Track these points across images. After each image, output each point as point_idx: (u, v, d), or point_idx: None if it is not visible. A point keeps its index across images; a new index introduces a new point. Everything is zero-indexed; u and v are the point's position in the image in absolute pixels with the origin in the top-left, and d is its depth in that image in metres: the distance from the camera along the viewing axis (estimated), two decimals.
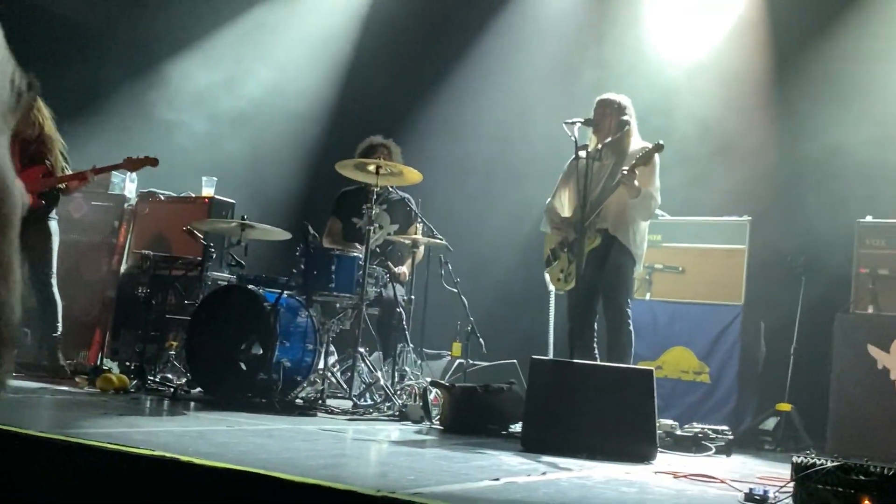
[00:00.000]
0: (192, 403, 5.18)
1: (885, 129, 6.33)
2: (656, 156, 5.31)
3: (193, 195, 7.29)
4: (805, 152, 6.65)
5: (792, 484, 3.15)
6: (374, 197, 5.65)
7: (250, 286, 5.53)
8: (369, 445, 4.14)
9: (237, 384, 5.25)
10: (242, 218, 5.81)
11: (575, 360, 4.72)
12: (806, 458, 3.15)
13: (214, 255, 6.17)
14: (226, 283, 6.28)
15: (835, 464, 3.09)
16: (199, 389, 5.52)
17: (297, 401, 5.46)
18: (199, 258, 6.07)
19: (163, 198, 7.37)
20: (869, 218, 5.85)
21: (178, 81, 8.41)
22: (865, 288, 5.75)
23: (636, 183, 5.19)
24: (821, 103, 6.65)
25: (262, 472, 2.68)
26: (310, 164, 8.54)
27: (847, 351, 5.66)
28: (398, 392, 5.56)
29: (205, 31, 8.54)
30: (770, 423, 6.05)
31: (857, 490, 2.96)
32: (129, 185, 7.37)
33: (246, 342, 5.27)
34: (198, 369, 5.48)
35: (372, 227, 5.59)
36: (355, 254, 5.72)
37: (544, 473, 3.50)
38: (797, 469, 3.14)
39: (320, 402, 5.33)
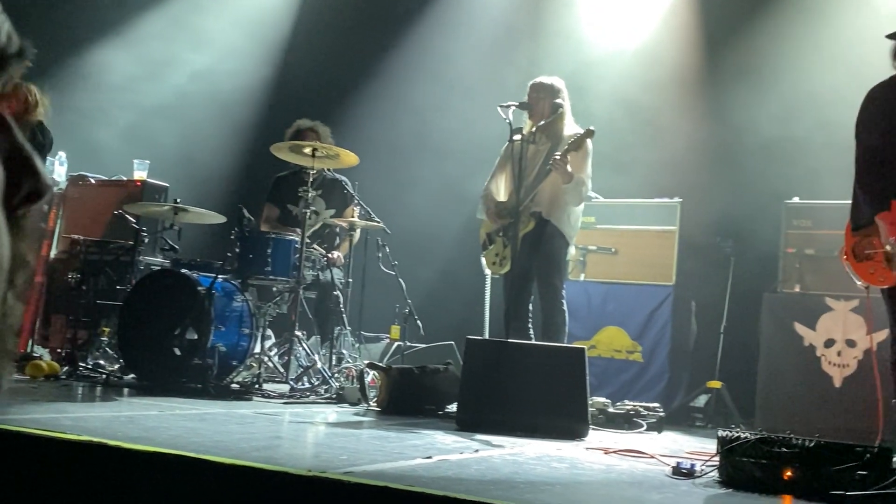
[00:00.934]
0: (125, 389, 5.12)
1: (812, 112, 6.49)
2: (588, 141, 5.37)
3: (125, 178, 7.15)
4: (734, 135, 6.81)
5: (717, 457, 3.25)
6: (310, 180, 5.62)
7: (184, 270, 5.47)
8: (305, 428, 4.15)
9: (171, 369, 5.19)
10: (175, 201, 5.73)
11: (509, 340, 4.78)
12: (731, 432, 3.24)
13: (147, 240, 6.07)
14: (159, 267, 6.20)
15: (757, 437, 3.19)
16: (132, 376, 5.45)
17: (233, 385, 5.42)
18: (132, 242, 5.97)
19: (94, 181, 7.22)
20: (796, 199, 6.01)
21: (110, 64, 8.23)
22: (792, 268, 5.90)
23: (568, 168, 5.25)
24: (749, 86, 6.80)
25: (192, 455, 2.67)
26: (245, 146, 8.44)
27: (774, 329, 5.81)
28: (335, 375, 5.56)
29: (134, 13, 8.36)
30: (701, 400, 6.20)
31: (779, 462, 3.06)
32: (58, 169, 7.20)
33: (180, 327, 5.22)
34: (131, 355, 5.40)
35: (308, 211, 5.56)
36: (291, 237, 5.69)
37: (477, 451, 3.54)
38: (722, 443, 3.23)
39: (256, 386, 5.31)
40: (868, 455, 3.01)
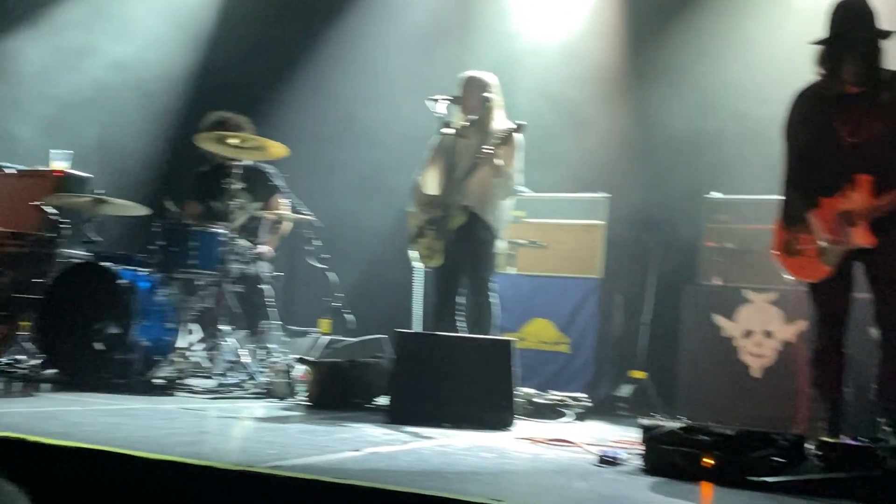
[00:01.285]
0: (45, 385, 4.99)
1: (731, 107, 6.66)
2: (518, 135, 5.42)
3: (43, 169, 6.94)
4: (658, 131, 6.95)
5: (641, 446, 3.33)
6: (234, 171, 5.54)
7: (105, 263, 5.34)
8: (232, 423, 4.10)
9: (93, 365, 5.07)
10: (97, 192, 5.59)
11: (438, 333, 4.80)
12: (653, 421, 3.33)
13: (68, 232, 5.90)
14: (80, 260, 6.03)
15: (679, 426, 3.28)
16: (52, 371, 5.30)
17: (157, 381, 5.33)
18: (51, 235, 5.80)
19: (10, 172, 6.99)
20: (715, 194, 6.16)
21: (25, 54, 7.98)
22: (712, 261, 6.05)
23: (497, 162, 5.29)
24: (670, 83, 6.95)
25: (116, 450, 2.63)
26: (169, 137, 8.27)
27: (695, 320, 5.96)
28: (263, 370, 5.50)
29: (50, 1, 8.12)
30: (625, 390, 6.33)
31: (699, 449, 3.15)
32: None
33: (101, 321, 5.10)
34: (51, 350, 5.26)
35: (233, 204, 5.48)
36: (217, 229, 5.60)
37: (407, 443, 3.56)
38: (645, 431, 3.31)
39: (181, 381, 5.22)
40: (784, 442, 3.12)
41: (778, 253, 4.33)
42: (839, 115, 4.03)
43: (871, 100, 3.98)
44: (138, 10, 8.16)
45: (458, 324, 5.57)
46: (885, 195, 3.89)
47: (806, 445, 3.15)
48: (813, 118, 4.09)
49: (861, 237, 3.94)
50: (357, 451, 3.20)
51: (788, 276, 4.44)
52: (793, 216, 4.21)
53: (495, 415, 4.45)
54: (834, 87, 4.02)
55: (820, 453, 3.11)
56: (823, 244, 4.03)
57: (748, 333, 5.78)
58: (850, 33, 3.94)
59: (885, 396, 4.10)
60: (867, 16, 3.96)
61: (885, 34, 3.97)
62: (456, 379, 4.50)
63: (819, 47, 4.06)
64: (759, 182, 6.18)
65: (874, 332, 4.14)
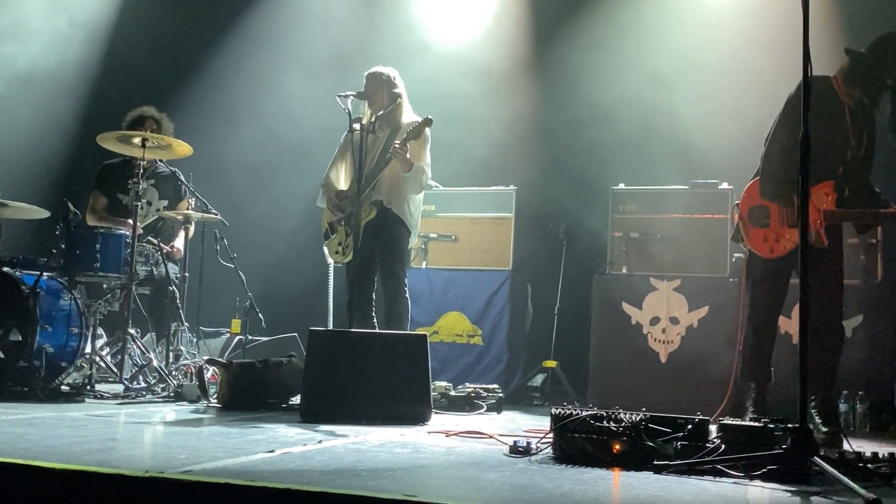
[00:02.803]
0: None
1: (636, 100, 6.84)
2: (427, 130, 5.45)
3: None
4: (564, 124, 7.09)
5: (552, 434, 3.40)
6: (141, 171, 5.42)
7: (5, 268, 5.17)
8: (141, 428, 4.02)
9: None
10: None
11: (352, 330, 4.80)
12: (563, 409, 3.40)
13: None
14: None
15: (588, 413, 3.36)
16: None
17: (63, 387, 5.18)
18: None
19: None
20: (621, 185, 6.31)
21: None
22: (619, 250, 6.21)
23: (408, 156, 5.32)
24: (576, 75, 7.09)
25: (19, 461, 2.56)
26: (69, 136, 8.02)
27: (604, 309, 6.11)
28: (173, 373, 5.41)
29: None
30: (538, 380, 6.45)
31: (608, 436, 3.24)
32: None
33: (2, 328, 4.94)
34: None
35: (139, 204, 5.37)
36: (122, 231, 5.48)
37: (320, 442, 3.55)
38: (555, 420, 3.38)
39: (88, 387, 5.10)
40: (689, 426, 3.23)
41: (743, 215, 4.58)
42: (852, 124, 4.45)
43: (870, 125, 4.45)
44: (31, 5, 7.88)
45: (373, 319, 5.58)
46: (844, 208, 4.37)
47: (709, 428, 3.27)
48: (831, 112, 4.39)
49: (819, 237, 4.31)
50: (270, 452, 3.18)
51: (744, 245, 4.67)
52: (774, 190, 4.47)
53: (412, 409, 4.48)
54: (853, 96, 4.45)
55: (721, 434, 3.23)
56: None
57: (655, 320, 5.95)
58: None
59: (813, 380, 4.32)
60: None
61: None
62: (371, 375, 4.51)
63: (857, 59, 4.43)
64: (660, 173, 6.39)
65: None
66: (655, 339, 5.94)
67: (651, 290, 6.00)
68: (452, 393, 5.33)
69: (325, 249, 5.78)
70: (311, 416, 4.37)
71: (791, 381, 4.63)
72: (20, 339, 4.96)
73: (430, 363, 4.65)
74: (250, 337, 6.45)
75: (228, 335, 6.74)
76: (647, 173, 6.39)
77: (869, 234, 5.43)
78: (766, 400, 4.65)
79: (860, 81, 4.41)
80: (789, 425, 3.08)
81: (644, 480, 2.92)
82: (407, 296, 5.54)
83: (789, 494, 2.79)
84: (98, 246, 5.33)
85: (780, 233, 4.49)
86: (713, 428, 3.35)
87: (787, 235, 4.47)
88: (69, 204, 5.34)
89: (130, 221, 5.43)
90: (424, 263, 6.78)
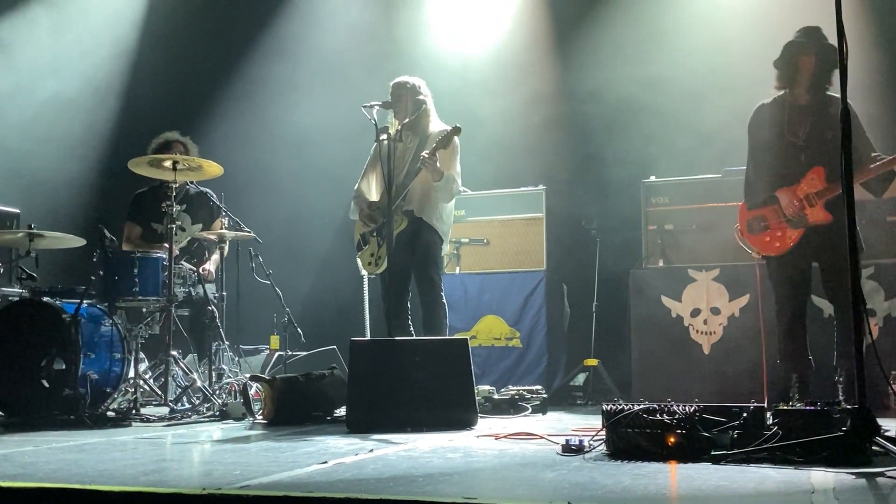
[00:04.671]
0: None
1: (662, 94, 6.79)
2: (455, 138, 5.44)
3: None
4: (590, 121, 7.04)
5: (604, 431, 3.36)
6: (173, 194, 5.45)
7: (45, 298, 5.21)
8: (191, 448, 4.03)
9: (41, 403, 4.94)
10: (29, 227, 5.46)
11: (392, 339, 4.79)
12: (614, 405, 3.36)
13: (2, 270, 5.75)
14: (17, 297, 5.88)
15: (640, 407, 3.32)
16: None
17: (109, 413, 5.21)
18: None
19: None
20: (652, 178, 6.26)
21: None
22: (654, 243, 6.16)
23: (437, 166, 5.30)
24: (600, 70, 7.05)
25: (77, 486, 2.57)
26: (101, 164, 8.10)
27: (643, 304, 6.04)
28: (217, 392, 5.43)
29: None
30: (580, 379, 6.40)
31: (662, 429, 3.20)
32: None
33: (46, 358, 4.98)
34: None
35: (174, 227, 5.40)
36: (159, 254, 5.51)
37: (371, 451, 3.54)
38: (607, 416, 3.35)
39: (134, 411, 5.13)
40: (744, 415, 3.18)
41: (742, 233, 4.97)
42: (801, 120, 4.81)
43: (821, 112, 4.76)
44: (63, 39, 7.97)
45: (409, 328, 5.56)
46: (835, 182, 4.61)
47: (765, 415, 3.22)
48: (771, 125, 4.85)
49: (819, 215, 4.69)
50: (324, 463, 3.17)
51: (754, 253, 4.99)
52: (758, 199, 4.88)
53: (458, 414, 4.46)
54: (788, 99, 4.85)
55: (777, 421, 3.18)
56: (789, 217, 4.76)
57: (696, 312, 5.89)
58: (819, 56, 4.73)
59: (843, 359, 4.67)
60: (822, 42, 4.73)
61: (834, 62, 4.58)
62: (415, 382, 4.49)
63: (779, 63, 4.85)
64: (691, 163, 6.33)
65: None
66: (697, 331, 5.88)
67: (690, 281, 5.93)
68: (496, 396, 5.30)
69: (359, 261, 5.78)
70: (357, 426, 4.36)
71: (827, 362, 4.77)
72: (64, 367, 4.99)
73: (472, 367, 4.63)
74: (290, 352, 6.46)
75: (268, 351, 6.75)
76: (678, 164, 6.34)
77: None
78: (808, 387, 4.74)
79: (790, 83, 4.84)
80: (848, 407, 3.03)
81: (703, 471, 2.88)
82: (444, 301, 5.52)
83: (853, 477, 2.74)
84: (136, 270, 5.36)
85: (782, 228, 4.80)
86: (769, 415, 3.30)
87: (788, 228, 4.79)
88: (105, 230, 5.37)
89: (166, 244, 5.46)
90: (458, 269, 6.76)
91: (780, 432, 3.11)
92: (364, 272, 6.10)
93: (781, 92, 4.90)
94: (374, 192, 5.65)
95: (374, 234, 5.54)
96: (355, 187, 5.70)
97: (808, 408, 3.21)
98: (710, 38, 6.85)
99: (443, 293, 5.51)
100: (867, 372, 3.06)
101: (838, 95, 4.59)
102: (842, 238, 4.37)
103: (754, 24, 6.65)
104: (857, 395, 2.97)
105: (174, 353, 5.39)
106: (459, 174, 5.52)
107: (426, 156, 5.27)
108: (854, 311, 3.07)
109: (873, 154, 4.73)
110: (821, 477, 2.74)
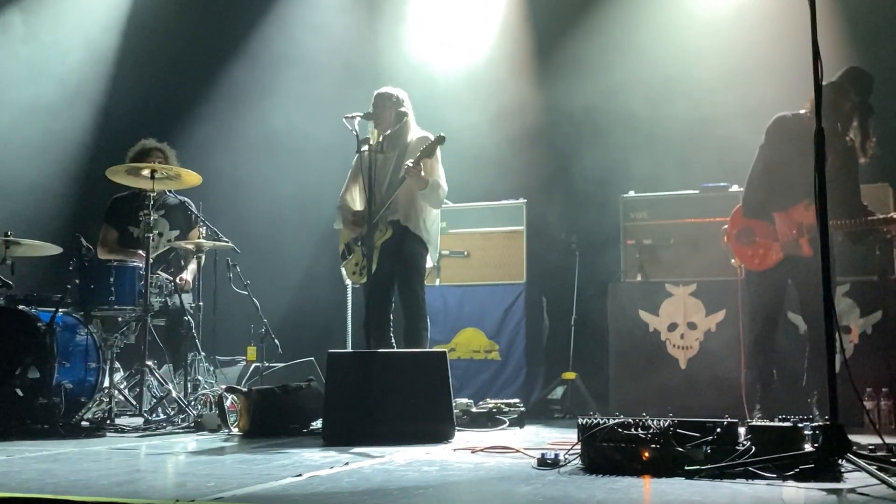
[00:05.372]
0: None
1: (642, 110, 6.84)
2: (439, 147, 5.45)
3: None
4: (570, 135, 7.08)
5: (579, 445, 3.37)
6: (151, 203, 5.43)
7: (20, 306, 5.17)
8: (165, 459, 4.00)
9: (14, 411, 4.89)
10: (6, 234, 5.41)
11: (371, 350, 4.78)
12: (590, 419, 3.37)
13: None
14: None
15: (615, 421, 3.33)
16: None
17: (84, 423, 5.17)
18: None
19: None
20: (631, 193, 6.30)
21: None
22: (633, 258, 6.20)
23: (422, 174, 5.31)
24: (580, 85, 7.10)
25: (50, 496, 2.55)
26: (79, 172, 8.05)
27: (621, 318, 6.08)
28: (192, 403, 5.39)
29: None
30: (558, 392, 6.41)
31: (636, 444, 3.21)
32: None
33: (20, 366, 4.93)
34: None
35: (151, 235, 5.37)
36: (135, 263, 5.48)
37: (347, 464, 3.53)
38: (582, 430, 3.35)
39: (109, 421, 5.09)
40: (718, 430, 3.20)
41: (728, 238, 5.11)
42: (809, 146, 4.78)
43: (839, 144, 4.93)
44: (39, 43, 7.93)
45: (391, 339, 5.55)
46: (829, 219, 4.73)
47: (738, 430, 3.24)
48: (788, 142, 4.93)
49: (805, 247, 4.89)
50: (298, 476, 3.16)
51: (735, 263, 5.16)
52: (756, 210, 5.02)
53: (436, 427, 4.45)
54: (808, 124, 4.85)
55: (751, 436, 3.20)
56: (782, 242, 4.94)
57: (673, 326, 5.92)
58: (864, 98, 4.93)
59: (813, 377, 4.88)
60: (869, 86, 4.95)
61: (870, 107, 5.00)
62: (393, 395, 4.48)
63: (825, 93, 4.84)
64: (671, 178, 6.38)
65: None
66: (674, 346, 5.91)
67: (667, 296, 5.97)
68: (474, 409, 5.30)
69: (343, 271, 5.77)
70: (334, 438, 4.35)
71: (797, 379, 4.88)
72: (38, 376, 4.95)
73: (450, 380, 4.63)
74: (267, 363, 6.43)
75: (245, 363, 6.72)
76: (656, 179, 6.38)
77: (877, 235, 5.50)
78: (772, 400, 4.94)
79: (826, 112, 4.76)
80: (820, 423, 3.05)
81: (677, 486, 2.89)
82: (426, 313, 5.52)
83: (825, 493, 2.76)
84: (112, 279, 5.33)
85: (767, 247, 4.98)
86: (742, 430, 3.32)
87: (773, 248, 4.96)
88: (82, 239, 5.34)
89: (142, 252, 5.43)
90: (438, 280, 6.77)
91: (753, 448, 3.12)
92: (349, 282, 6.10)
93: (803, 110, 4.97)
94: (357, 203, 5.65)
95: (359, 243, 5.53)
96: (338, 198, 5.70)
97: (780, 423, 3.24)
98: (692, 54, 6.92)
99: (425, 305, 5.50)
100: (842, 389, 3.09)
101: (851, 137, 4.95)
102: (814, 264, 4.75)
103: (737, 38, 6.72)
104: (830, 412, 3.00)
105: (149, 363, 5.35)
106: (444, 178, 5.53)
107: (411, 165, 5.28)
108: (826, 327, 3.10)
109: (864, 203, 4.96)
110: (793, 493, 2.76)
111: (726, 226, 5.17)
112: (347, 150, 5.64)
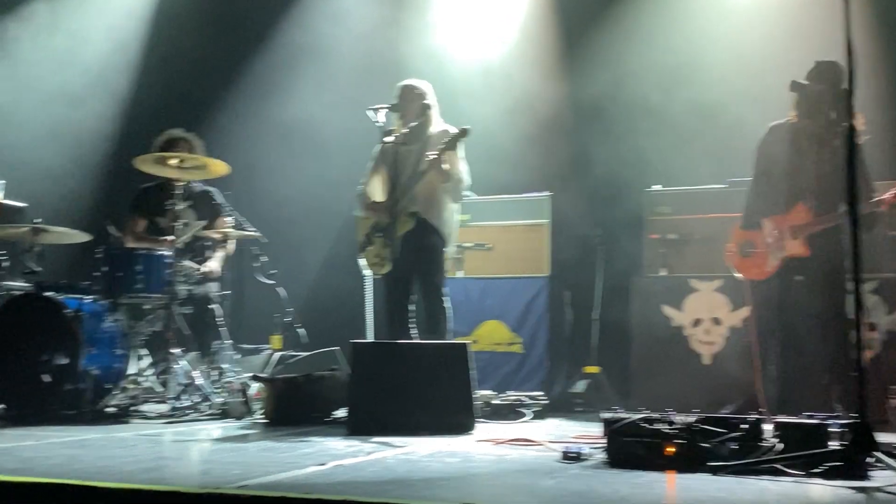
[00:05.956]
0: None
1: (669, 103, 6.78)
2: (463, 140, 5.45)
3: None
4: (595, 128, 7.04)
5: (603, 439, 3.37)
6: (177, 192, 5.46)
7: (49, 293, 5.23)
8: (190, 446, 4.05)
9: (42, 397, 4.95)
10: (34, 222, 5.47)
11: (394, 341, 4.80)
12: (614, 413, 3.37)
13: (6, 264, 5.76)
14: (21, 292, 5.89)
15: (640, 416, 3.32)
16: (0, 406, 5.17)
17: (110, 409, 5.21)
18: None
19: None
20: (656, 187, 6.26)
21: None
22: (657, 252, 6.15)
23: (445, 167, 5.32)
24: (606, 76, 7.05)
25: (77, 482, 2.58)
26: (107, 160, 8.10)
27: (644, 312, 6.04)
28: (217, 390, 5.43)
29: None
30: (580, 386, 6.39)
31: (661, 439, 3.20)
32: None
33: (48, 353, 5.00)
34: None
35: (177, 224, 5.41)
36: (162, 251, 5.52)
37: (370, 453, 3.55)
38: (607, 424, 3.35)
39: (134, 408, 5.14)
40: (743, 426, 3.19)
41: (733, 253, 5.20)
42: (809, 150, 4.99)
43: (828, 142, 4.90)
44: (69, 35, 7.99)
45: (411, 331, 5.57)
46: (822, 216, 4.88)
47: (763, 427, 3.23)
48: (785, 146, 5.03)
49: (797, 248, 4.96)
50: (322, 465, 3.18)
51: (738, 276, 5.26)
52: (751, 220, 5.13)
53: (456, 419, 4.46)
54: (808, 127, 5.00)
55: (777, 433, 3.19)
56: (771, 241, 5.02)
57: (697, 322, 5.88)
58: (834, 89, 4.81)
59: (833, 374, 4.84)
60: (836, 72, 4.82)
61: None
62: (414, 386, 4.50)
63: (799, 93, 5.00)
64: (697, 173, 6.33)
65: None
66: (698, 341, 5.87)
67: (692, 291, 5.93)
68: (496, 401, 5.30)
69: (362, 261, 5.78)
70: (357, 428, 4.37)
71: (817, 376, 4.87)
72: (66, 362, 5.01)
73: (473, 372, 4.64)
74: (291, 352, 6.46)
75: (269, 351, 6.75)
76: (682, 173, 6.33)
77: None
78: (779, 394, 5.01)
79: (807, 113, 4.99)
80: (848, 421, 3.03)
81: (701, 482, 2.88)
82: (447, 305, 5.53)
83: (852, 491, 2.74)
84: (139, 267, 5.37)
85: (765, 255, 5.05)
86: (768, 427, 3.30)
87: (770, 255, 5.02)
88: (110, 227, 5.39)
89: (169, 240, 5.47)
90: (460, 273, 6.76)
91: (780, 445, 3.11)
92: (367, 272, 6.11)
93: (787, 118, 5.05)
94: (378, 194, 5.66)
95: (379, 234, 5.54)
96: (360, 189, 5.71)
97: (806, 421, 3.22)
98: (722, 48, 6.85)
99: (446, 296, 5.52)
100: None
101: (845, 124, 4.82)
102: (820, 262, 4.78)
103: (766, 33, 6.64)
104: (857, 409, 2.97)
105: (175, 350, 5.40)
106: (466, 171, 5.53)
107: (433, 157, 5.28)
108: (857, 325, 3.07)
109: (873, 194, 4.89)
110: (819, 491, 2.75)
111: (730, 243, 5.26)
112: (369, 140, 5.65)
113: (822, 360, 4.89)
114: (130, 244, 6.03)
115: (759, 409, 4.88)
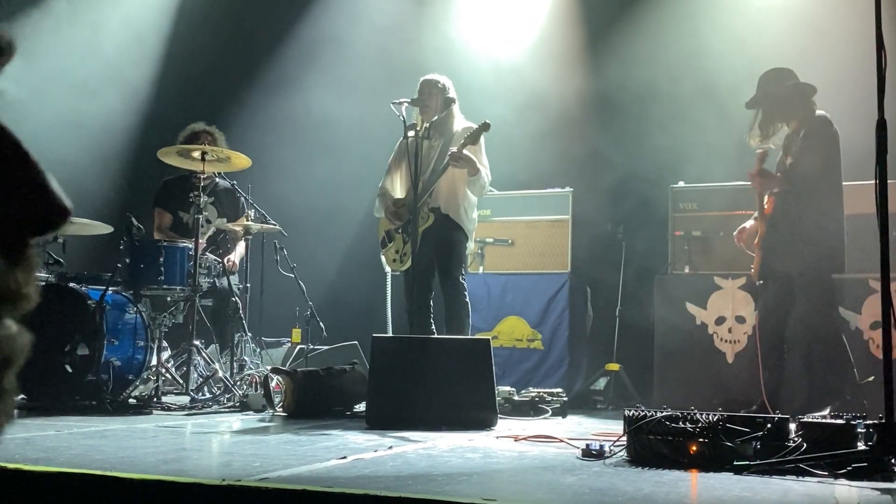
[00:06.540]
0: (15, 410, 4.86)
1: (694, 99, 6.73)
2: (484, 135, 5.43)
3: None
4: (619, 124, 6.99)
5: (625, 437, 3.33)
6: (201, 185, 5.48)
7: (71, 284, 5.26)
8: (210, 438, 4.05)
9: (64, 388, 4.99)
10: None
11: (415, 336, 4.78)
12: (637, 411, 3.33)
13: None
14: (44, 282, 5.92)
15: (663, 414, 3.28)
16: (21, 396, 5.20)
17: (131, 400, 5.25)
18: None
19: None
20: (681, 183, 6.21)
21: None
22: (681, 249, 6.10)
23: (469, 162, 5.30)
24: (629, 73, 7.00)
25: (98, 472, 2.58)
26: (130, 152, 8.14)
27: (667, 310, 5.98)
28: (238, 383, 5.45)
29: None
30: (601, 383, 6.35)
31: (684, 437, 3.16)
32: None
33: (70, 343, 5.02)
34: (19, 375, 5.13)
35: (200, 218, 5.42)
36: (185, 244, 5.53)
37: (391, 448, 3.53)
38: (629, 422, 3.31)
39: (155, 399, 5.16)
40: (768, 425, 3.14)
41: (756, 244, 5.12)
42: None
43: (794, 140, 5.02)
44: (92, 29, 8.02)
45: (431, 326, 5.55)
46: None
47: (789, 427, 3.18)
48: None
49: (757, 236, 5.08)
50: (343, 458, 3.16)
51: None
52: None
53: (477, 415, 4.44)
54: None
55: (802, 433, 3.14)
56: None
57: (721, 320, 5.83)
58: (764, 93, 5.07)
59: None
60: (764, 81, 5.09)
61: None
62: (436, 381, 4.48)
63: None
64: (722, 170, 6.26)
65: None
66: (722, 339, 5.82)
67: (716, 289, 5.87)
68: (516, 398, 5.28)
69: (383, 258, 5.77)
70: (377, 422, 4.36)
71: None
72: (87, 353, 5.03)
73: (493, 368, 4.61)
74: (311, 346, 6.47)
75: (290, 344, 6.76)
76: (707, 170, 6.27)
77: None
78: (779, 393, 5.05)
79: (763, 132, 5.10)
80: (874, 422, 2.98)
81: (725, 481, 2.84)
82: (467, 300, 5.51)
83: (878, 493, 2.70)
84: (162, 259, 5.39)
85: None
86: (792, 426, 3.26)
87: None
88: (132, 218, 5.41)
89: (190, 236, 5.49)
90: (481, 268, 6.74)
91: (805, 444, 3.06)
92: (388, 269, 6.10)
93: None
94: (398, 190, 5.65)
95: (400, 230, 5.53)
96: (380, 184, 5.70)
97: (831, 421, 3.17)
98: (747, 44, 6.78)
99: (466, 292, 5.50)
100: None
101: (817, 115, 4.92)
102: (776, 253, 4.86)
103: (793, 30, 6.57)
104: (885, 410, 2.92)
105: (197, 342, 5.42)
106: (487, 166, 5.52)
107: (456, 151, 5.26)
108: (883, 322, 3.02)
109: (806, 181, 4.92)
110: (845, 492, 2.70)
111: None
112: (390, 135, 5.63)
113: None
114: (156, 237, 6.06)
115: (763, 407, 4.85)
